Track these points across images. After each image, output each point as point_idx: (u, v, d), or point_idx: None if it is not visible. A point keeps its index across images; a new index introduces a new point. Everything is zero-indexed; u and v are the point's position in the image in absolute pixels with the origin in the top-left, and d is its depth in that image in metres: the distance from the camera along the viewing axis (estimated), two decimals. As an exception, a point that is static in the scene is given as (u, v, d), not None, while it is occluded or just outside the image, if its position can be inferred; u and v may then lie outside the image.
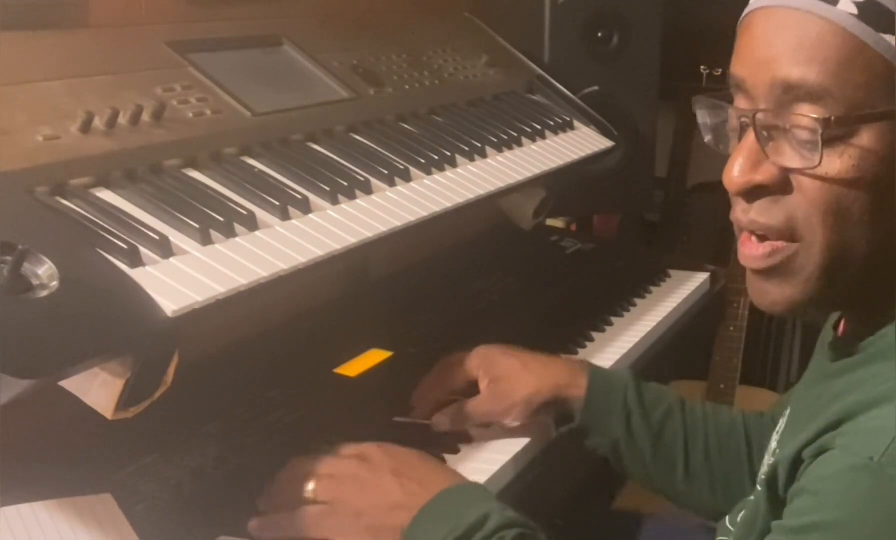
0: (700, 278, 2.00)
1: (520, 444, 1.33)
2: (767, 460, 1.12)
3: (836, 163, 0.94)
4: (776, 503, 1.00)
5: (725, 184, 1.00)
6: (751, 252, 1.01)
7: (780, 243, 0.98)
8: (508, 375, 1.34)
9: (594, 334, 1.68)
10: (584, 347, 1.64)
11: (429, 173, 1.49)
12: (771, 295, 1.01)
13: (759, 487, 1.09)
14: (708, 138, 1.07)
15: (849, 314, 1.06)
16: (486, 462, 1.29)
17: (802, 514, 0.92)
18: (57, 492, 1.03)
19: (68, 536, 1.00)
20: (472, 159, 1.61)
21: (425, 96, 1.73)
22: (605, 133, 1.98)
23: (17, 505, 1.00)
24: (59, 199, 1.09)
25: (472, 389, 1.36)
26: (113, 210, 1.10)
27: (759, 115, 0.96)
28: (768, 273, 1.00)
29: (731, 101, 1.02)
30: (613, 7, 2.19)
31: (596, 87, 2.15)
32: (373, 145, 1.50)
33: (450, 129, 1.66)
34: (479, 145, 1.64)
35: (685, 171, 2.88)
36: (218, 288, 1.06)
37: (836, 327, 1.09)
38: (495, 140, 1.69)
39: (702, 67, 2.61)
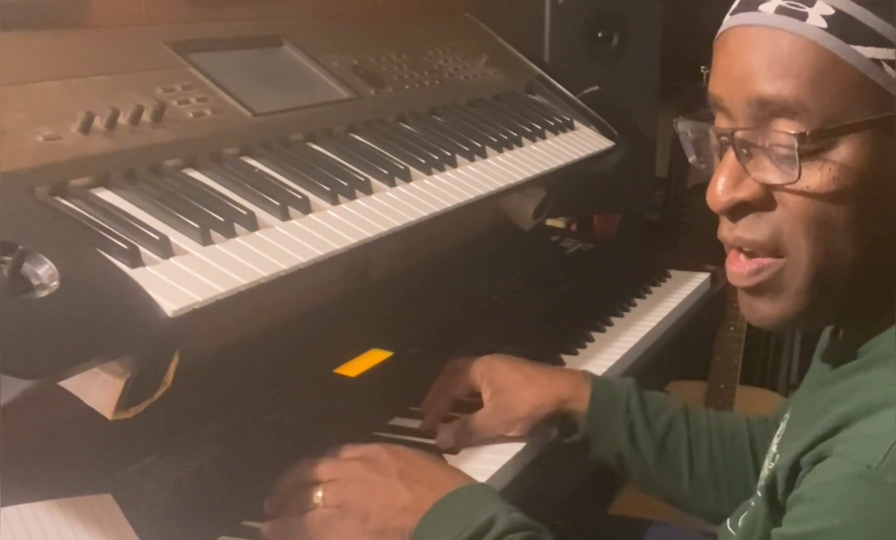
0: (700, 278, 2.00)
1: (520, 445, 1.33)
2: (767, 465, 1.12)
3: (815, 176, 0.94)
4: (775, 509, 1.01)
5: (709, 203, 1.00)
6: (738, 270, 1.01)
7: (766, 260, 0.99)
8: (511, 389, 1.34)
9: (594, 334, 1.68)
10: (584, 346, 1.64)
11: (429, 173, 1.49)
12: (761, 311, 1.02)
13: (758, 493, 1.09)
14: (692, 158, 1.07)
15: (843, 323, 1.06)
16: (486, 462, 1.29)
17: (800, 521, 0.92)
18: (57, 492, 1.03)
19: (68, 536, 1.00)
20: (472, 159, 1.61)
21: (425, 96, 1.73)
22: (605, 133, 1.98)
23: (17, 505, 1.00)
24: (59, 199, 1.09)
25: (475, 396, 1.36)
26: (113, 210, 1.10)
27: (738, 134, 0.97)
28: (757, 290, 1.01)
29: (712, 120, 1.02)
30: (613, 7, 2.19)
31: (596, 87, 2.15)
32: (373, 145, 1.50)
33: (450, 129, 1.66)
34: (479, 145, 1.64)
35: (685, 171, 2.88)
36: (218, 288, 1.06)
37: (833, 333, 1.09)
38: (495, 140, 1.69)
39: (702, 67, 2.60)
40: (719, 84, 1.00)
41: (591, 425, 1.34)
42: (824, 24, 0.93)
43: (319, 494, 1.12)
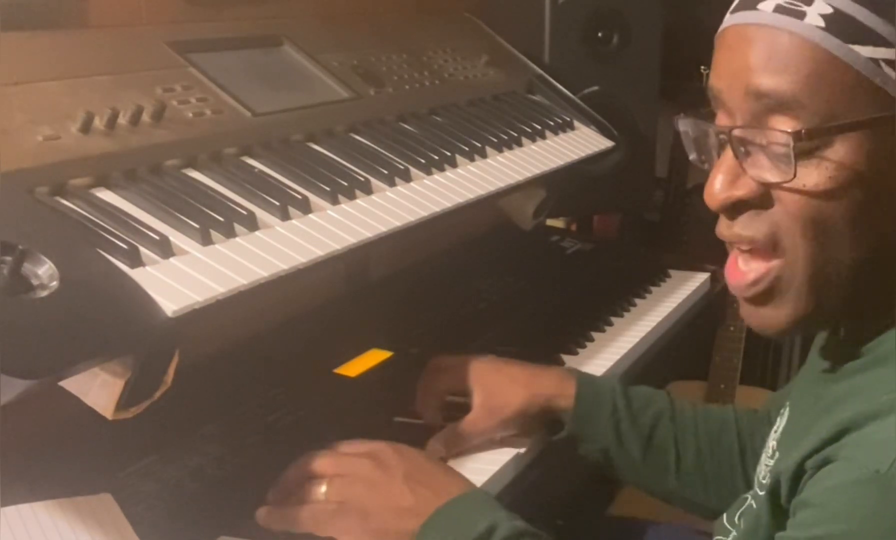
0: (700, 278, 2.00)
1: (519, 445, 1.33)
2: (765, 461, 1.12)
3: (812, 174, 0.94)
4: (778, 513, 1.01)
5: (707, 201, 1.01)
6: (736, 281, 1.02)
7: (763, 266, 0.99)
8: (497, 390, 1.33)
9: (594, 334, 1.68)
10: (584, 346, 1.64)
11: (429, 173, 1.49)
12: (764, 318, 1.02)
13: (759, 492, 1.09)
14: (692, 156, 1.08)
15: (845, 323, 1.06)
16: (485, 462, 1.29)
17: (808, 526, 0.92)
18: (57, 492, 1.03)
19: (68, 536, 1.00)
20: (472, 159, 1.61)
21: (425, 96, 1.73)
22: (605, 133, 1.98)
23: (17, 505, 1.00)
24: (59, 199, 1.09)
25: (461, 396, 1.36)
26: (113, 210, 1.10)
27: (736, 131, 0.97)
28: (757, 299, 1.01)
29: (713, 118, 1.03)
30: (613, 7, 2.19)
31: (596, 87, 2.15)
32: (373, 145, 1.50)
33: (450, 129, 1.66)
34: (479, 145, 1.64)
35: (685, 171, 2.88)
36: (218, 288, 1.06)
37: (833, 329, 1.09)
38: (495, 140, 1.69)
39: (702, 67, 2.60)
40: (719, 78, 1.00)
41: (576, 423, 1.35)
42: (822, 23, 0.94)
43: (323, 488, 1.12)
